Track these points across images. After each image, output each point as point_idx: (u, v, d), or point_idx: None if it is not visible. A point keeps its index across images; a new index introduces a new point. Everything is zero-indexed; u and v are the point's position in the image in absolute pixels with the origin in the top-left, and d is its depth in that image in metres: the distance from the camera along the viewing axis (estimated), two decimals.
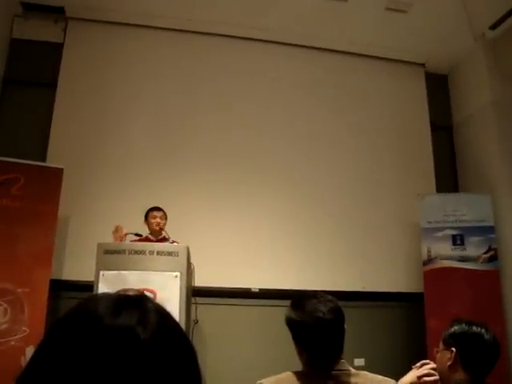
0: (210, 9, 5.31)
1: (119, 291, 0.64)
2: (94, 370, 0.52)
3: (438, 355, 2.00)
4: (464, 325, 1.93)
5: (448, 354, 1.94)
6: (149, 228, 4.27)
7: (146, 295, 0.64)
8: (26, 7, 5.26)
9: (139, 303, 0.60)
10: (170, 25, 5.48)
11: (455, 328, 1.96)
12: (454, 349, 1.90)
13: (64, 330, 0.58)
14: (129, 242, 4.00)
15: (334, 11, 5.34)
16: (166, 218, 4.31)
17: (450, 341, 1.95)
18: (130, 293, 0.63)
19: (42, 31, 5.29)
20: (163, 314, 0.62)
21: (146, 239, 4.21)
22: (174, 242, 4.16)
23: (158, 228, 4.22)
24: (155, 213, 4.26)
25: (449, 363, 1.92)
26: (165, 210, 4.31)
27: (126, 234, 4.05)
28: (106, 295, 0.62)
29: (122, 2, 5.26)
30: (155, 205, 4.32)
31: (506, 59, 5.40)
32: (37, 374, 0.55)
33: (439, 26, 5.43)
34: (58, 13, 5.28)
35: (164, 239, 4.23)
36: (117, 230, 3.98)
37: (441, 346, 2.01)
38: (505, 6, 5.00)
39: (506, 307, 4.76)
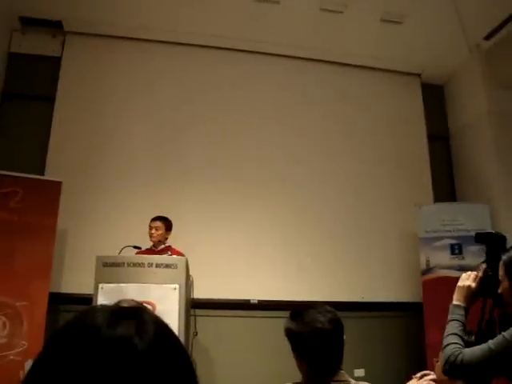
0: (207, 22, 5.35)
1: (117, 302, 0.64)
2: (92, 380, 0.53)
3: (438, 364, 2.00)
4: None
5: None
6: None
7: (143, 306, 0.64)
8: (24, 22, 5.29)
9: (136, 314, 0.61)
10: (167, 38, 5.52)
11: None
12: None
13: (62, 341, 0.58)
14: (128, 255, 4.00)
15: (329, 23, 5.38)
16: (166, 228, 4.28)
17: None
18: (126, 304, 0.63)
19: (40, 45, 5.32)
20: (161, 325, 0.62)
21: (150, 251, 4.20)
22: (179, 253, 4.14)
23: (153, 239, 4.22)
24: (151, 224, 4.25)
25: None
26: (164, 220, 4.30)
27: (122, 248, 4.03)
28: (103, 306, 0.63)
29: (119, 16, 5.29)
30: (156, 215, 4.31)
31: (501, 69, 5.44)
32: None
33: (434, 37, 5.47)
34: (56, 27, 5.32)
35: (165, 250, 4.22)
36: None
37: (440, 355, 2.00)
38: (499, 17, 5.04)
39: None
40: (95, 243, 4.31)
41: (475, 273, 1.84)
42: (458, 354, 1.66)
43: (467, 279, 1.84)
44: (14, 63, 5.26)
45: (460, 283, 1.85)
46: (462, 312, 1.79)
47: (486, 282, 1.81)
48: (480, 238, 1.90)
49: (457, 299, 1.83)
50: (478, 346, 1.66)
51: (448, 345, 1.73)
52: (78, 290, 4.30)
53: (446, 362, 1.70)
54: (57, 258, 4.49)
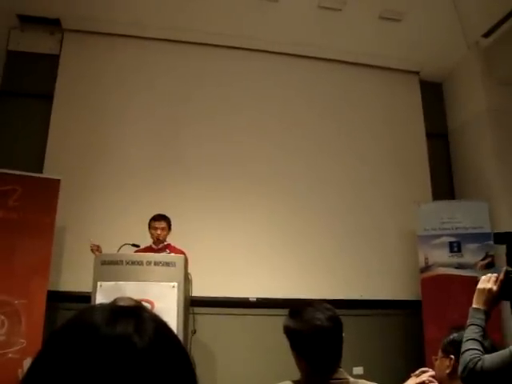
0: (206, 19, 5.35)
1: (114, 300, 0.64)
2: (91, 379, 0.52)
3: (437, 363, 2.00)
4: (463, 332, 1.92)
5: (447, 362, 1.93)
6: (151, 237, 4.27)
7: (142, 305, 0.64)
8: (23, 19, 5.28)
9: (136, 312, 0.61)
10: (166, 36, 5.51)
11: (454, 336, 1.96)
12: (452, 356, 1.89)
13: (61, 340, 0.58)
14: (126, 253, 3.99)
15: (328, 20, 5.37)
16: (169, 227, 4.28)
17: (449, 348, 1.95)
18: (123, 302, 0.63)
19: (38, 43, 5.32)
20: (160, 324, 0.62)
21: (149, 249, 4.20)
22: (181, 251, 4.13)
23: (160, 239, 4.21)
24: (156, 224, 4.23)
25: (448, 371, 1.91)
26: (167, 219, 4.29)
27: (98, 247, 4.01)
28: (102, 305, 0.63)
29: (117, 13, 5.28)
30: (156, 213, 4.29)
31: (500, 67, 5.44)
32: None
33: (433, 35, 5.47)
34: (54, 25, 5.31)
35: (166, 247, 4.21)
36: (97, 249, 3.95)
37: (440, 353, 2.00)
38: (498, 14, 5.03)
39: (504, 314, 4.74)
40: (94, 241, 4.29)
41: (495, 275, 1.77)
42: (478, 361, 1.60)
43: (488, 281, 1.77)
44: (13, 61, 5.25)
45: (480, 286, 1.78)
46: (482, 316, 1.74)
47: (508, 285, 1.74)
48: (499, 238, 1.83)
49: (477, 302, 1.77)
50: (498, 352, 1.62)
51: (467, 350, 1.67)
52: (76, 287, 4.30)
53: (465, 368, 1.63)
54: (55, 255, 4.49)
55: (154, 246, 4.23)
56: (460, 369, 1.66)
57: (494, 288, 1.75)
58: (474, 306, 1.77)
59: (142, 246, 4.22)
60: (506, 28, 5.12)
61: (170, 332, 0.63)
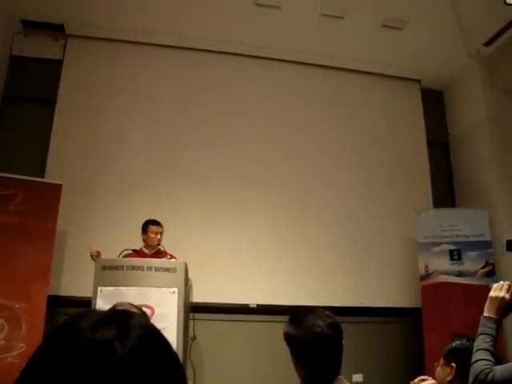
0: (208, 26, 5.37)
1: (115, 305, 0.65)
2: (72, 382, 0.53)
3: (438, 369, 2.00)
4: (465, 340, 1.91)
5: (448, 369, 1.93)
6: (146, 241, 4.25)
7: (131, 312, 0.64)
8: (26, 25, 5.31)
9: (121, 319, 0.61)
10: (168, 42, 5.53)
11: (456, 343, 1.96)
12: (453, 364, 1.89)
13: (51, 342, 0.59)
14: (126, 258, 3.99)
15: (330, 28, 5.40)
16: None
17: (451, 356, 1.94)
18: (121, 308, 0.64)
19: (41, 48, 5.34)
20: (148, 331, 0.62)
21: (141, 252, 4.19)
22: (171, 256, 4.15)
23: (158, 243, 4.22)
24: (157, 229, 4.23)
25: (448, 378, 1.91)
26: (162, 225, 4.31)
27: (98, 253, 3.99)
28: (96, 310, 0.63)
29: (120, 19, 5.30)
30: (153, 218, 4.30)
31: (500, 75, 5.46)
32: None
33: (434, 43, 5.48)
34: (58, 30, 5.33)
35: (159, 252, 4.21)
36: (97, 255, 3.94)
37: (441, 360, 2.00)
38: (498, 24, 5.06)
39: (505, 322, 4.73)
40: (95, 246, 4.29)
41: (508, 283, 1.73)
42: (489, 372, 1.56)
43: (500, 290, 1.72)
44: (16, 66, 5.27)
45: (492, 294, 1.73)
46: (494, 325, 1.69)
47: None
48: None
49: (488, 311, 1.72)
50: (510, 364, 1.58)
51: (477, 361, 1.62)
52: (77, 292, 4.29)
53: (475, 379, 1.59)
54: (56, 260, 4.49)
55: (145, 251, 4.21)
56: (470, 379, 1.62)
57: (507, 296, 1.71)
58: (485, 314, 1.73)
59: (131, 251, 4.21)
60: (506, 37, 5.14)
61: (159, 340, 0.63)
